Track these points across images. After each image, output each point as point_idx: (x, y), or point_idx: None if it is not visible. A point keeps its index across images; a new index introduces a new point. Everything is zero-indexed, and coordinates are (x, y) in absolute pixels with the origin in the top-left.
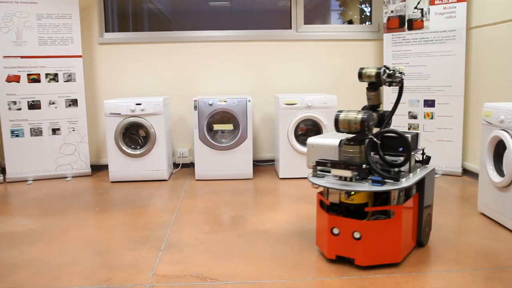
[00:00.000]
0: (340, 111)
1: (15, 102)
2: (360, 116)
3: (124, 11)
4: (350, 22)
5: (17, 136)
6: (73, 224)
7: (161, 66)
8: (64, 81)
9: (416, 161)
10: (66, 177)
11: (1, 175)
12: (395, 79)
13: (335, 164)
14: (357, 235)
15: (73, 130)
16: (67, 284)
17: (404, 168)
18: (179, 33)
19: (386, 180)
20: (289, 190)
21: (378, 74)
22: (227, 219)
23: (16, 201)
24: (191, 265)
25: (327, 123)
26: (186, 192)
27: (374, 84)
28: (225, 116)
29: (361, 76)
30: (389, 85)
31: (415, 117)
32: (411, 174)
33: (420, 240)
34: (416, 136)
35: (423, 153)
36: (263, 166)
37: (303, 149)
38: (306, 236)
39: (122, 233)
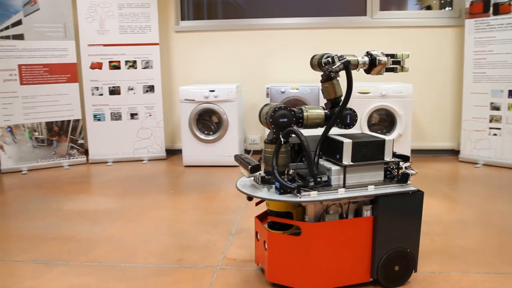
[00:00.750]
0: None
1: (97, 88)
2: (271, 110)
3: (199, 0)
4: (429, 8)
5: (98, 120)
6: (149, 205)
7: (234, 54)
8: (142, 68)
9: (388, 176)
10: (143, 160)
11: (85, 156)
12: (334, 68)
13: (240, 161)
14: (266, 245)
15: (150, 115)
16: (143, 261)
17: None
18: (252, 21)
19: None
20: None
21: (320, 63)
22: None
23: (97, 181)
24: None
25: (402, 113)
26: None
27: (324, 74)
28: (297, 103)
29: (311, 64)
30: (333, 76)
31: (497, 109)
32: (341, 190)
33: (376, 278)
34: (370, 144)
35: (397, 168)
36: None
37: None
38: None
39: (194, 215)
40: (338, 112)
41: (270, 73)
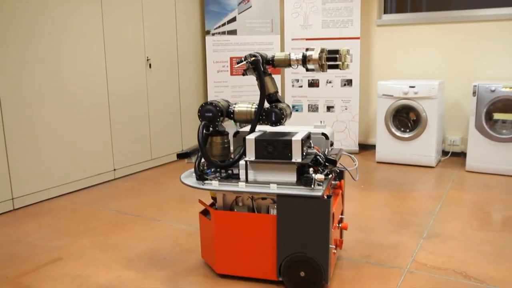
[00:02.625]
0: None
1: (297, 80)
2: (200, 106)
3: None
4: None
5: (296, 110)
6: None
7: (438, 48)
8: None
9: (303, 179)
10: None
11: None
12: (247, 68)
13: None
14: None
15: (346, 109)
16: None
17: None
18: (458, 13)
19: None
20: None
21: (239, 62)
22: (500, 219)
23: None
24: (454, 259)
25: None
26: (454, 183)
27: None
28: (509, 104)
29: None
30: (267, 73)
31: None
32: (242, 184)
33: (279, 277)
34: (275, 142)
35: (303, 165)
36: None
37: None
38: None
39: (384, 213)
40: (257, 110)
41: (477, 70)
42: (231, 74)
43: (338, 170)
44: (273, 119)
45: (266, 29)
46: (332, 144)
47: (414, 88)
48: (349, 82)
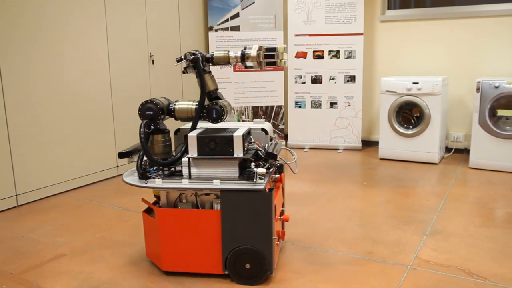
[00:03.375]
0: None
1: (300, 76)
2: (140, 104)
3: None
4: None
5: (299, 107)
6: (342, 193)
7: (442, 44)
8: (345, 58)
9: (245, 173)
10: (338, 149)
11: (284, 141)
12: (186, 65)
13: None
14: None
15: (349, 105)
16: (333, 248)
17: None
18: (463, 8)
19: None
20: None
21: (179, 60)
22: (503, 215)
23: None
24: (457, 256)
25: None
26: (457, 179)
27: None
28: None
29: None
30: (207, 71)
31: None
32: (186, 180)
33: (225, 271)
34: (217, 138)
35: (246, 161)
36: None
37: None
38: None
39: (387, 210)
40: (198, 107)
41: (481, 66)
42: (234, 70)
43: (278, 164)
44: (214, 116)
45: (269, 25)
46: (271, 139)
47: (418, 85)
48: (352, 78)
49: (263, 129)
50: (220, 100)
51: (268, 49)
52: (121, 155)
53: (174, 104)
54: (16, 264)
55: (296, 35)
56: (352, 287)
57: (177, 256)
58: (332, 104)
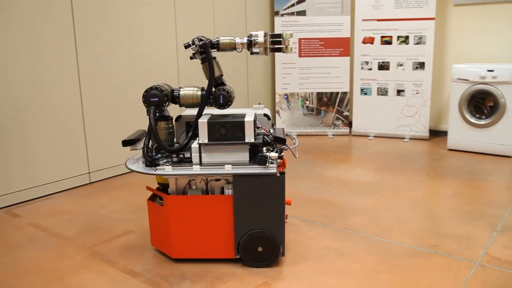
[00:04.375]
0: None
1: (367, 62)
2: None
3: None
4: None
5: (365, 94)
6: (407, 184)
7: None
8: (414, 44)
9: (257, 157)
10: (404, 138)
11: (348, 128)
12: (195, 51)
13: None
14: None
15: (417, 93)
16: (396, 239)
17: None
18: None
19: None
20: None
21: (187, 46)
22: None
23: (358, 153)
24: None
25: None
26: None
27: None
28: None
29: None
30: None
31: None
32: (197, 166)
33: (238, 255)
34: (228, 124)
35: (256, 146)
36: None
37: None
38: None
39: (454, 203)
40: (206, 93)
41: None
42: (300, 55)
43: (286, 148)
44: (222, 101)
45: (336, 10)
46: (273, 125)
47: (493, 72)
48: (421, 65)
49: (265, 115)
50: (226, 86)
51: (273, 35)
52: (125, 143)
53: (179, 90)
54: (89, 237)
55: (364, 20)
56: (415, 280)
57: (187, 243)
58: (399, 92)
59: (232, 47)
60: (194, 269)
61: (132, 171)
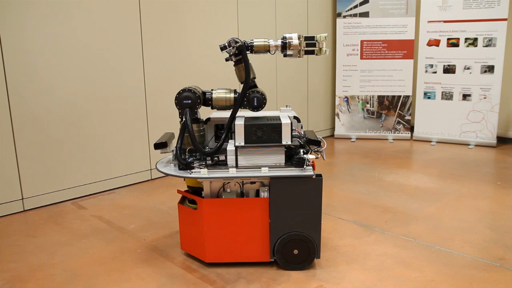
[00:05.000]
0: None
1: (431, 65)
2: (177, 92)
3: None
4: None
5: (428, 98)
6: (471, 192)
7: None
8: (483, 46)
9: (294, 160)
10: (469, 145)
11: (409, 132)
12: (231, 53)
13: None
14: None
15: (484, 98)
16: (459, 249)
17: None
18: None
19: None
20: None
21: (223, 47)
22: None
23: (419, 158)
24: None
25: None
26: None
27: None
28: None
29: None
30: (233, 62)
31: None
32: (233, 169)
33: (272, 258)
34: (265, 126)
35: (290, 148)
36: None
37: None
38: None
39: None
40: (241, 95)
41: None
42: (361, 58)
43: (319, 150)
44: (255, 104)
45: (400, 11)
46: (302, 127)
47: None
48: (490, 69)
49: (295, 117)
50: (258, 88)
51: (307, 38)
52: (157, 146)
53: (211, 93)
54: (149, 232)
55: (429, 21)
56: None
57: (221, 247)
58: (465, 96)
59: (266, 49)
60: (250, 269)
61: (166, 174)
